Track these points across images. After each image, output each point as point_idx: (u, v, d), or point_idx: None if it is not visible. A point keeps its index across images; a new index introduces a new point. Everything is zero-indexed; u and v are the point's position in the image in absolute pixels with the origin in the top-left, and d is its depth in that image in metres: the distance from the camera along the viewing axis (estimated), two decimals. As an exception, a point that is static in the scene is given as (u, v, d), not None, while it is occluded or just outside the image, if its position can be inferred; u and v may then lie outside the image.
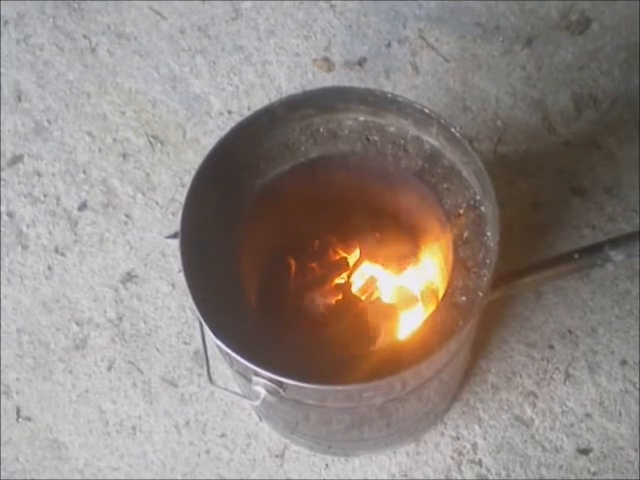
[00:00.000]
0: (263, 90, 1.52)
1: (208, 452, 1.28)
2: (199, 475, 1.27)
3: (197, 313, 0.85)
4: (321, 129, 1.00)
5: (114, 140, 1.50)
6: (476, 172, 0.92)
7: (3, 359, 1.35)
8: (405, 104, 0.94)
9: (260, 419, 1.28)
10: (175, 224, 1.36)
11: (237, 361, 0.83)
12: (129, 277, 1.39)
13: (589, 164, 1.42)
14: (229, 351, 0.82)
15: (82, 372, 1.34)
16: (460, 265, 0.91)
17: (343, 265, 1.15)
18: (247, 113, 1.45)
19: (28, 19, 1.62)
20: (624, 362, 1.29)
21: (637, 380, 1.27)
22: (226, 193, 0.97)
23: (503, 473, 1.23)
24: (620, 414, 1.26)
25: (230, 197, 0.97)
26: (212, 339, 0.85)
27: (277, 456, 1.27)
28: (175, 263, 1.39)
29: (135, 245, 1.42)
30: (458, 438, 1.26)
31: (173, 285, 1.38)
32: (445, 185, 0.96)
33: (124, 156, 1.49)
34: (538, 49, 1.51)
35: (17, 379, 1.34)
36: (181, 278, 0.86)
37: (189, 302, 1.09)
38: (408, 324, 1.08)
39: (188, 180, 1.17)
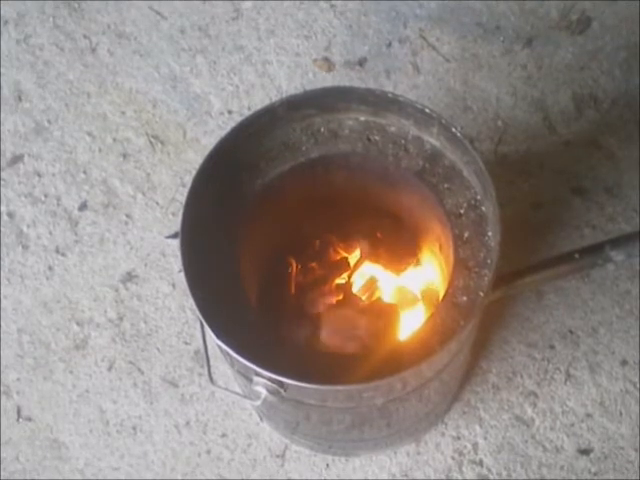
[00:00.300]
0: (263, 90, 1.52)
1: (209, 452, 1.28)
2: (200, 475, 1.27)
3: (198, 313, 0.85)
4: (322, 129, 1.00)
5: (114, 140, 1.50)
6: (477, 172, 0.92)
7: (3, 359, 1.35)
8: (406, 104, 0.94)
9: (261, 419, 1.28)
10: (175, 224, 1.36)
11: (238, 361, 0.83)
12: (129, 277, 1.39)
13: (589, 164, 1.42)
14: (230, 351, 0.82)
15: (82, 372, 1.34)
16: (461, 265, 0.91)
17: (344, 265, 1.15)
18: (247, 113, 1.44)
19: (28, 19, 1.62)
20: (624, 362, 1.29)
21: (637, 380, 1.27)
22: (226, 193, 0.96)
23: (504, 473, 1.23)
24: (621, 414, 1.26)
25: (230, 197, 0.96)
26: (213, 339, 0.85)
27: (278, 456, 1.27)
28: (175, 263, 1.39)
29: (135, 245, 1.42)
30: (459, 438, 1.26)
31: (173, 285, 1.38)
32: (446, 185, 0.96)
33: (124, 156, 1.49)
34: (538, 49, 1.51)
35: (18, 379, 1.34)
36: (181, 278, 0.86)
37: (189, 302, 1.10)
38: (409, 324, 1.08)
39: (188, 180, 1.17)
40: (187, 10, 1.60)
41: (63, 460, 1.29)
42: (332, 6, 1.58)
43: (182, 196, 1.41)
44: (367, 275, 1.15)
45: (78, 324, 1.37)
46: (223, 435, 1.29)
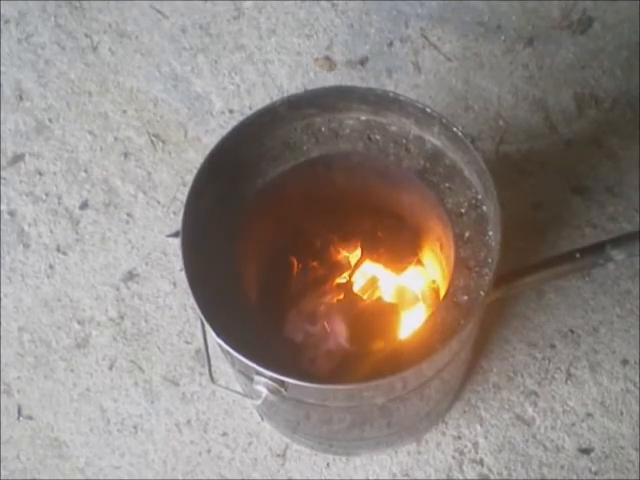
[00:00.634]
0: (264, 89, 1.52)
1: (209, 451, 1.28)
2: (200, 474, 1.27)
3: (198, 312, 0.85)
4: (323, 128, 1.00)
5: (115, 139, 1.50)
6: (478, 171, 0.92)
7: (4, 357, 1.35)
8: (407, 103, 0.94)
9: (262, 418, 1.28)
10: (176, 223, 1.36)
11: (238, 360, 0.83)
12: (130, 276, 1.39)
13: (590, 163, 1.42)
14: (231, 350, 0.82)
15: (83, 371, 1.34)
16: (461, 264, 0.91)
17: (344, 264, 1.15)
18: (248, 112, 1.44)
19: (29, 18, 1.62)
20: (625, 361, 1.29)
21: (638, 379, 1.27)
22: (227, 192, 0.96)
23: (504, 472, 1.23)
24: (621, 413, 1.26)
25: (231, 196, 0.96)
26: (214, 338, 0.85)
27: (278, 455, 1.27)
28: (176, 262, 1.39)
29: (136, 244, 1.42)
30: (459, 437, 1.26)
31: (174, 284, 1.38)
32: (447, 184, 0.96)
33: (125, 155, 1.49)
34: (540, 48, 1.51)
35: (18, 378, 1.34)
36: (182, 277, 0.86)
37: (190, 301, 1.10)
38: (409, 323, 1.08)
39: (189, 179, 1.17)
40: (188, 9, 1.60)
41: (64, 459, 1.29)
42: (333, 5, 1.58)
43: (183, 195, 1.41)
44: (368, 274, 1.15)
45: (79, 323, 1.37)
46: (224, 434, 1.29)
